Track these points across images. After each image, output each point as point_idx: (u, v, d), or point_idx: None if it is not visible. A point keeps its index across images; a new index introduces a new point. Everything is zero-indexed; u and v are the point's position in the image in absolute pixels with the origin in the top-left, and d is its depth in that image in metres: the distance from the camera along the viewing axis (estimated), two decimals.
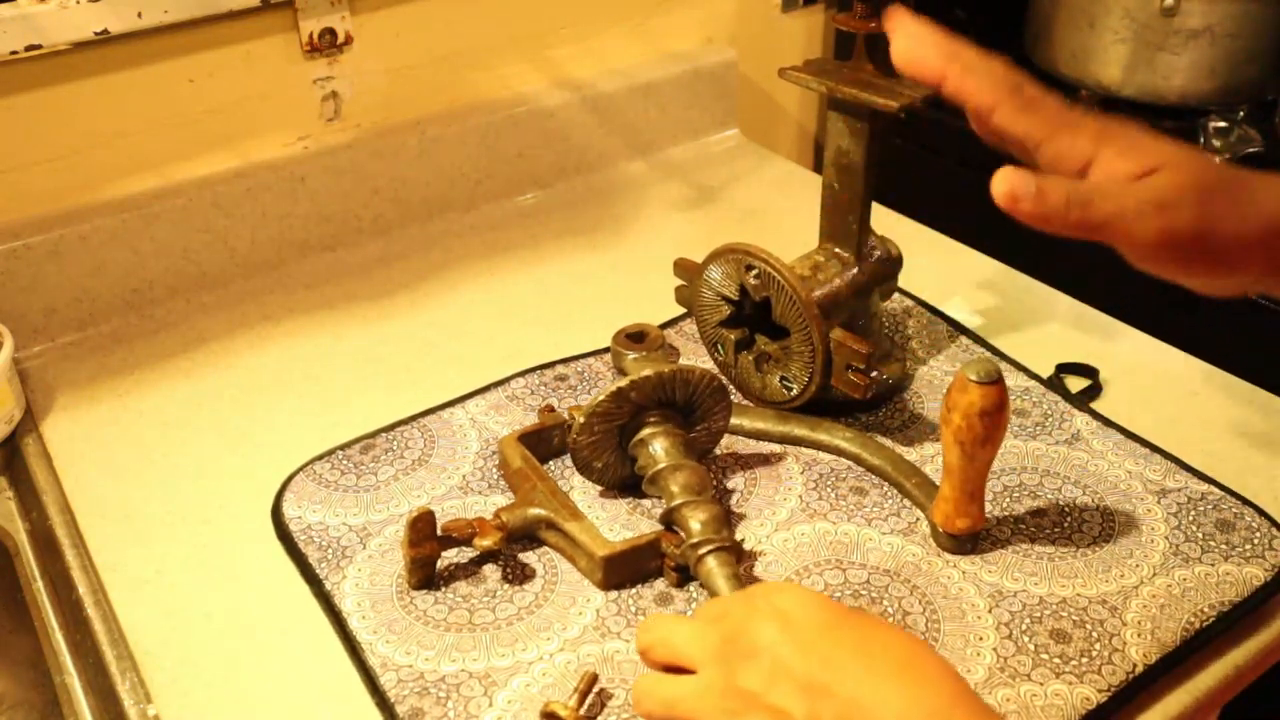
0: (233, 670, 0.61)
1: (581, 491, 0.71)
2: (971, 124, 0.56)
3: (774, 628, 0.48)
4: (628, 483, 0.70)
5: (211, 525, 0.70)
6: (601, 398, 0.65)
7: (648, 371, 0.66)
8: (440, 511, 0.67)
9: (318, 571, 0.66)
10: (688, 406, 0.68)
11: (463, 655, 0.60)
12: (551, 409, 0.76)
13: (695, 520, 0.63)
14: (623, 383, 0.65)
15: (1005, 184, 0.50)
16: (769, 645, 0.47)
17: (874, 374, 0.69)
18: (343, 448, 0.75)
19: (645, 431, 0.67)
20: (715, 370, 0.69)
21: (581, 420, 0.66)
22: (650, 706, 0.50)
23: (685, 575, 0.64)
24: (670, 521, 0.65)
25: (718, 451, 0.74)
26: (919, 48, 0.54)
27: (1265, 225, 0.52)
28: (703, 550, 0.62)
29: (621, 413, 0.66)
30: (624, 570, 0.64)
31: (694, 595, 0.64)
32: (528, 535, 0.67)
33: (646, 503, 0.70)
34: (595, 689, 0.57)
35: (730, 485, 0.71)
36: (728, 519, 0.66)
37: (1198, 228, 0.51)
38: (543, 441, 0.73)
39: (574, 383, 0.80)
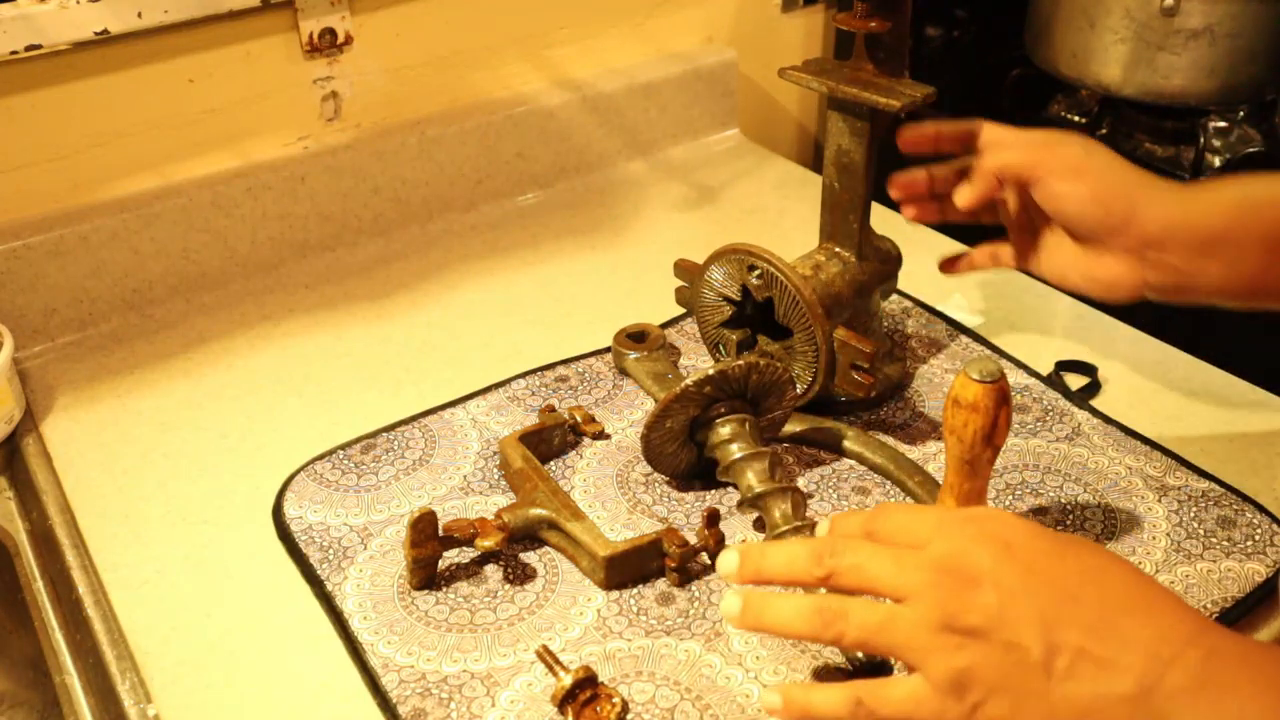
0: (233, 670, 0.61)
1: (582, 491, 0.71)
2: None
3: (993, 554, 0.44)
4: (691, 471, 0.71)
5: (211, 525, 0.70)
6: (689, 384, 0.66)
7: (727, 366, 0.66)
8: (441, 511, 0.67)
9: (319, 572, 0.65)
10: (755, 397, 0.69)
11: (465, 655, 0.60)
12: (552, 409, 0.76)
13: (777, 510, 0.64)
14: (701, 375, 0.66)
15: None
16: (991, 573, 0.43)
17: (877, 373, 0.69)
18: (343, 447, 0.75)
19: (718, 422, 0.67)
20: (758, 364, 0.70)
21: (658, 412, 0.67)
22: (847, 630, 0.45)
23: (687, 575, 0.64)
24: (751, 509, 0.66)
25: None
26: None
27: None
28: None
29: (696, 404, 0.67)
30: (626, 570, 0.64)
31: (695, 595, 0.63)
32: (529, 535, 0.67)
33: (647, 499, 0.70)
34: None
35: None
36: (805, 503, 0.68)
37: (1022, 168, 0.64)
38: (543, 441, 0.73)
39: (575, 383, 0.80)
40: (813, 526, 0.64)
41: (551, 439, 0.73)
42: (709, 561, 0.65)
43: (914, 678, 0.44)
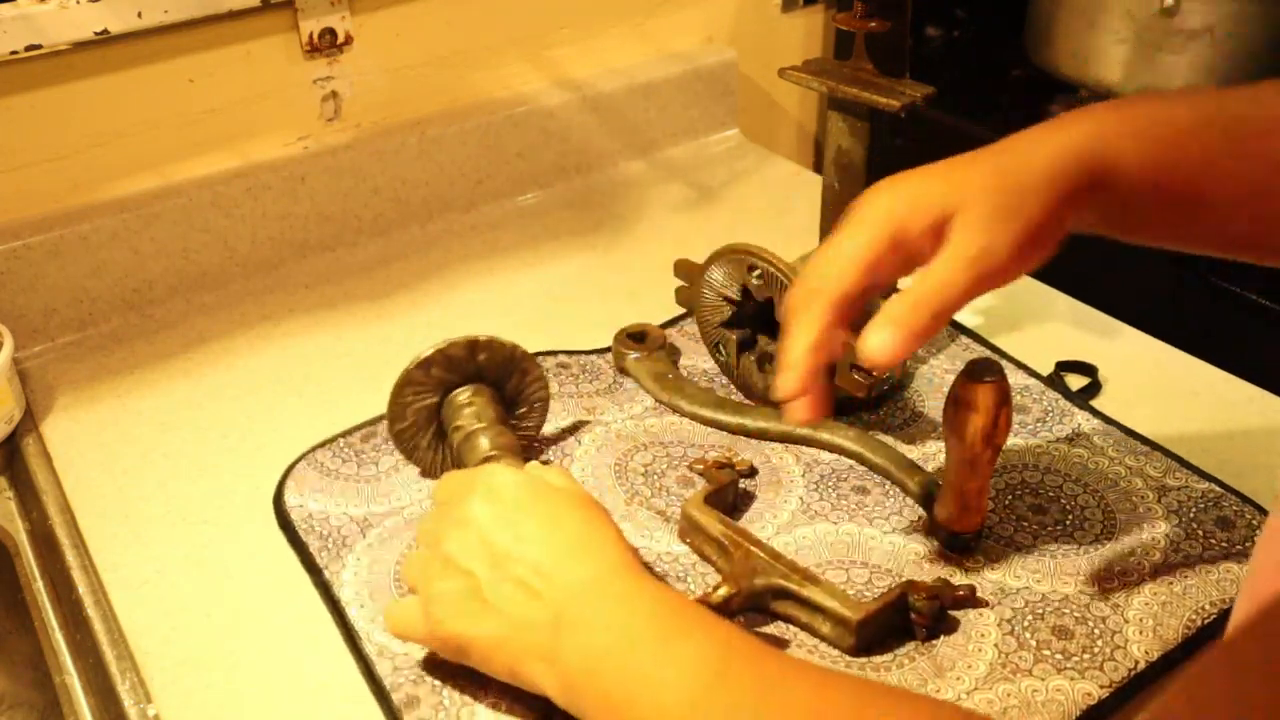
0: (233, 670, 0.61)
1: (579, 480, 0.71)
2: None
3: (482, 504, 0.56)
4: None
5: (211, 525, 0.70)
6: (410, 365, 0.66)
7: (444, 343, 0.67)
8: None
9: (318, 560, 0.66)
10: (499, 384, 0.69)
11: None
12: (719, 464, 0.69)
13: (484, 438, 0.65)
14: (428, 352, 0.66)
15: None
16: (475, 519, 0.56)
17: (876, 373, 0.69)
18: (344, 435, 0.75)
19: (458, 402, 0.68)
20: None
21: (393, 399, 0.67)
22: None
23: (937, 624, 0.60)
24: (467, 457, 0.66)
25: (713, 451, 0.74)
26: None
27: (1054, 193, 0.53)
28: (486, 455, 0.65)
29: (430, 387, 0.67)
30: (875, 630, 0.59)
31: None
32: (754, 607, 0.61)
33: (646, 491, 0.70)
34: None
35: None
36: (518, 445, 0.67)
37: (1010, 245, 0.53)
38: (720, 499, 0.67)
39: (575, 371, 0.80)
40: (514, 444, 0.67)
41: (727, 496, 0.68)
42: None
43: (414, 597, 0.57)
